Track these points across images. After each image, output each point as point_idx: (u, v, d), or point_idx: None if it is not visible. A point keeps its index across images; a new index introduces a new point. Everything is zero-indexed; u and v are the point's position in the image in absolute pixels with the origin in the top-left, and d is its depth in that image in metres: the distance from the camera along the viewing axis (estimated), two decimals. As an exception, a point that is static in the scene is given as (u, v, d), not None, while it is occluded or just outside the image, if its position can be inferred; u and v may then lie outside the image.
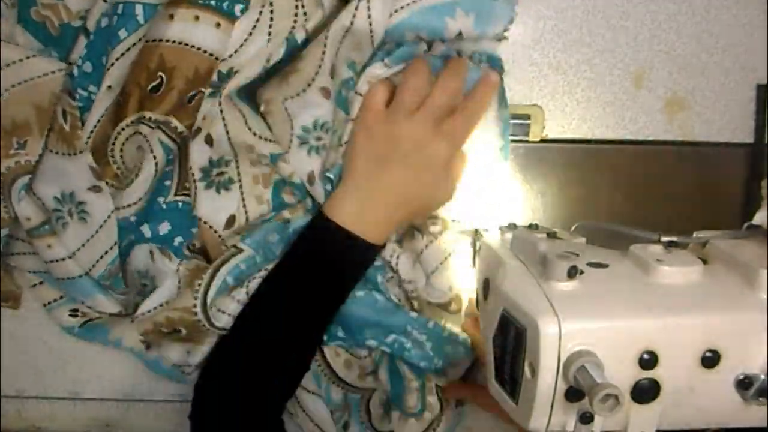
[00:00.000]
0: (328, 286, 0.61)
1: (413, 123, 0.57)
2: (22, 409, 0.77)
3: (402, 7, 0.58)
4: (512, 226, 0.65)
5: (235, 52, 0.62)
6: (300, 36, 0.61)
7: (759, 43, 0.68)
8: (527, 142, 0.69)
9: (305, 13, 0.61)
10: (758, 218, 0.58)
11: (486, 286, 0.58)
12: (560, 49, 0.67)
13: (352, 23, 0.58)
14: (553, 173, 0.70)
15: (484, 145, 0.65)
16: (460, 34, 0.59)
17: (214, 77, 0.62)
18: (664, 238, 0.52)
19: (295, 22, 0.62)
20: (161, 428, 0.77)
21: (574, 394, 0.44)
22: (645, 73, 0.69)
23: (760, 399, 0.44)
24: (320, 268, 0.60)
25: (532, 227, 0.65)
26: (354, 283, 0.63)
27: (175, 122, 0.62)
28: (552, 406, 0.44)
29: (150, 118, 0.62)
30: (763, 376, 0.44)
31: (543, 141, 0.69)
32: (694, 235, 0.55)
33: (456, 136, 0.59)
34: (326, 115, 0.64)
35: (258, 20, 0.61)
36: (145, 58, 0.60)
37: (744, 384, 0.45)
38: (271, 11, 0.61)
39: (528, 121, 0.68)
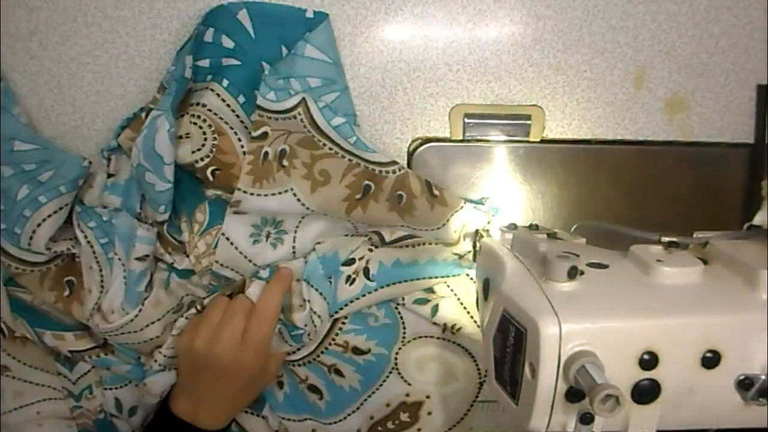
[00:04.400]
0: None
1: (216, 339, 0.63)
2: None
3: None
4: (512, 227, 0.65)
5: None
6: None
7: (759, 44, 0.68)
8: (527, 142, 0.69)
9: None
10: (758, 219, 0.58)
11: (486, 286, 0.58)
12: (560, 50, 0.67)
13: None
14: (553, 173, 0.70)
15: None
16: None
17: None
18: (665, 239, 0.52)
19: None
20: None
21: (574, 394, 0.44)
22: (645, 74, 0.69)
23: (761, 399, 0.44)
24: None
25: (532, 227, 0.65)
26: None
27: None
28: (552, 407, 0.44)
29: None
30: (763, 377, 0.44)
31: (543, 141, 0.69)
32: (695, 235, 0.55)
33: (255, 341, 0.64)
34: None
35: None
36: None
37: (744, 384, 0.45)
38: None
39: (528, 122, 0.68)
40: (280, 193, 0.65)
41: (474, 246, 0.66)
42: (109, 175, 0.66)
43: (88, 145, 0.68)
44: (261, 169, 0.64)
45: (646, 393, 0.44)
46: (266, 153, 0.64)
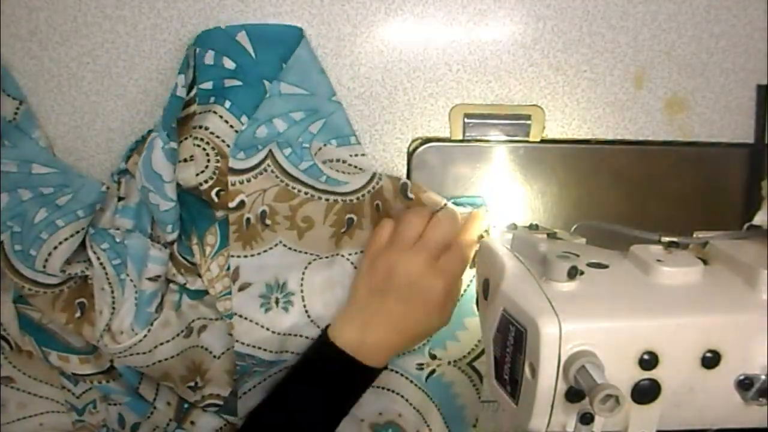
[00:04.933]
0: (330, 404, 0.64)
1: (409, 258, 0.61)
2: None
3: None
4: (512, 227, 0.65)
5: None
6: None
7: (759, 44, 0.68)
8: (527, 142, 0.69)
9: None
10: (758, 219, 0.58)
11: (486, 287, 0.58)
12: (560, 50, 0.67)
13: None
14: (553, 173, 0.70)
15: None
16: None
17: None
18: (665, 239, 0.52)
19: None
20: None
21: (574, 394, 0.44)
22: (645, 74, 0.69)
23: (761, 399, 0.44)
24: (323, 389, 0.63)
25: (532, 227, 0.65)
26: (355, 400, 0.65)
27: None
28: (552, 407, 0.44)
29: None
30: (763, 377, 0.44)
31: (543, 141, 0.69)
32: (695, 235, 0.55)
33: (450, 272, 0.62)
34: None
35: None
36: None
37: (744, 384, 0.45)
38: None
39: (528, 122, 0.68)
40: (270, 248, 0.67)
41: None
42: (120, 198, 0.67)
43: (88, 145, 0.68)
44: (247, 234, 0.66)
45: (646, 393, 0.44)
46: (248, 219, 0.66)
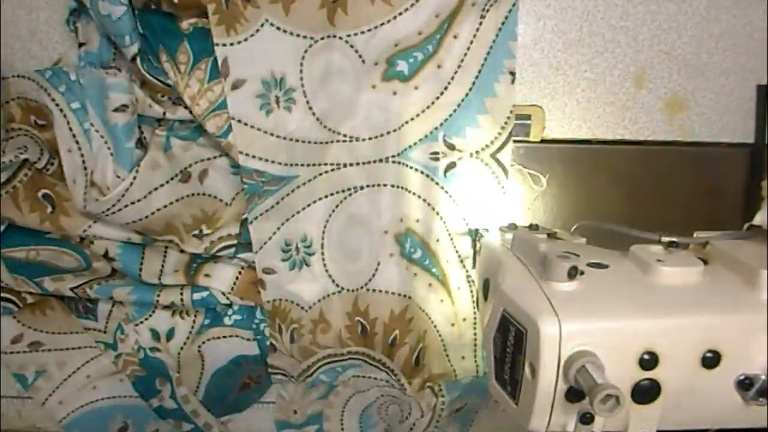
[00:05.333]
0: None
1: None
2: (22, 410, 0.77)
3: None
4: (512, 227, 0.65)
5: None
6: None
7: (759, 44, 0.68)
8: (528, 142, 0.69)
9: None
10: (758, 219, 0.58)
11: (486, 287, 0.58)
12: (560, 50, 0.67)
13: None
14: (554, 173, 0.70)
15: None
16: None
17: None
18: (665, 239, 0.52)
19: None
20: None
21: (574, 394, 0.43)
22: (645, 74, 0.69)
23: (761, 399, 0.44)
24: None
25: (532, 228, 0.65)
26: None
27: None
28: (552, 407, 0.44)
29: None
30: (763, 377, 0.44)
31: (543, 141, 0.69)
32: (695, 235, 0.55)
33: None
34: None
35: None
36: None
37: (744, 384, 0.45)
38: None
39: (528, 122, 0.68)
40: (257, 30, 0.61)
41: (474, 247, 0.66)
42: (80, 45, 0.64)
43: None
44: (228, 14, 0.61)
45: (646, 393, 0.44)
46: None
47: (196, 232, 0.66)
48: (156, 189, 0.64)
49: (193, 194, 0.66)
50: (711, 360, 0.44)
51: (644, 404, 0.44)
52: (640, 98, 0.69)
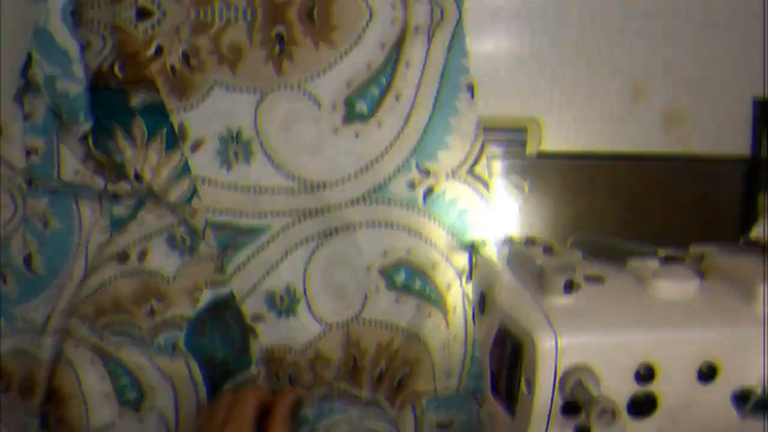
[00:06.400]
0: None
1: None
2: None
3: None
4: (508, 240, 0.65)
5: None
6: None
7: (756, 57, 0.69)
8: (525, 155, 0.69)
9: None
10: (756, 232, 0.58)
11: (483, 300, 0.58)
12: (558, 63, 0.68)
13: None
14: (551, 187, 0.70)
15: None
16: None
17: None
18: (662, 252, 0.52)
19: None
20: None
21: (571, 408, 0.43)
22: (643, 87, 0.69)
23: (757, 413, 0.44)
24: None
25: (529, 241, 0.65)
26: None
27: None
28: (549, 421, 0.44)
29: None
30: (760, 390, 0.44)
31: (540, 154, 0.69)
32: (692, 248, 0.55)
33: None
34: None
35: None
36: None
37: (741, 398, 0.45)
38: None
39: (525, 135, 0.68)
40: (208, 91, 0.62)
41: (471, 260, 0.66)
42: (26, 118, 0.64)
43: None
44: (177, 80, 0.62)
45: (643, 407, 0.44)
46: (173, 66, 0.62)
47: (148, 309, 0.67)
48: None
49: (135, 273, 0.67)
50: (708, 374, 0.44)
51: (641, 418, 0.44)
52: (637, 111, 0.69)
